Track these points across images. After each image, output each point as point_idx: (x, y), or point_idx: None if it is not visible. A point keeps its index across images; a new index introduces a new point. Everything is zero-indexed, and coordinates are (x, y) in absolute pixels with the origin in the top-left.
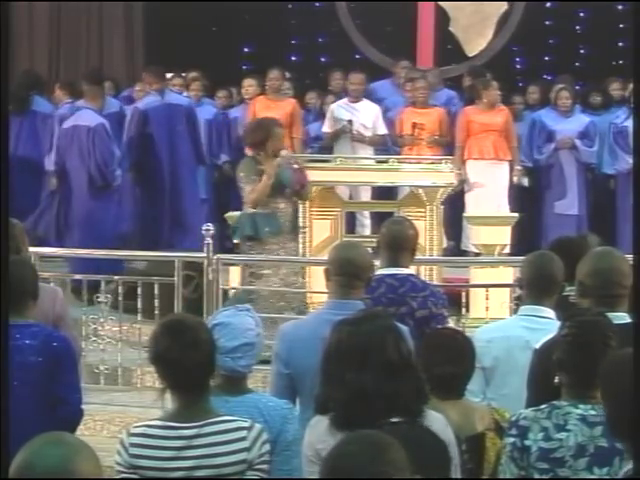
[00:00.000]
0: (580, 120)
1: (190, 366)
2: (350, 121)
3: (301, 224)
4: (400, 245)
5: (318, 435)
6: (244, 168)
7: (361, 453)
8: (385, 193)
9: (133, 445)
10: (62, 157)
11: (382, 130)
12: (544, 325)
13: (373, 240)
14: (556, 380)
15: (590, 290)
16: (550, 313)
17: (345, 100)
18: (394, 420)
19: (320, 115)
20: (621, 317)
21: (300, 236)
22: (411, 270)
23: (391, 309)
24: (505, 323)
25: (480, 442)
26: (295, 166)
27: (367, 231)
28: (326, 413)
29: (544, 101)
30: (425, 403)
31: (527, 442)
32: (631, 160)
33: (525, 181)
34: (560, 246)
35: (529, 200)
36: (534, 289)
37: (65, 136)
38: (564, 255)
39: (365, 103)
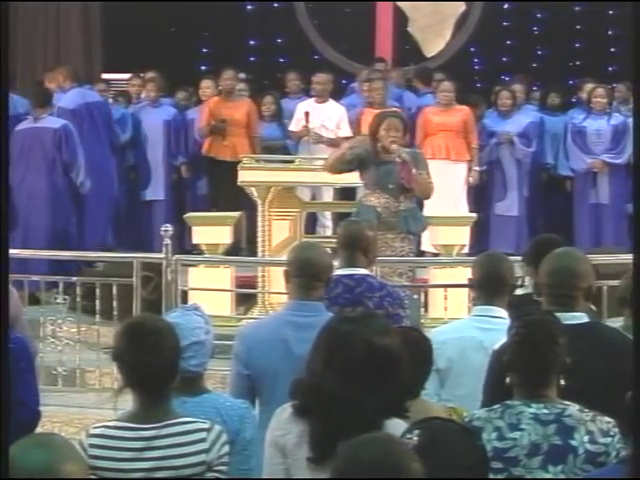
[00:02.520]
0: (519, 121)
1: (148, 369)
2: (307, 112)
3: (420, 224)
4: (357, 245)
5: (280, 422)
6: None
7: (379, 463)
8: (347, 194)
9: (92, 446)
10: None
11: (345, 132)
12: (497, 325)
13: (333, 241)
14: (507, 380)
15: (544, 289)
16: (502, 313)
17: (311, 100)
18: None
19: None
20: (578, 317)
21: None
22: (367, 271)
23: (347, 309)
24: (458, 324)
25: None
26: (397, 160)
27: (328, 232)
28: (293, 399)
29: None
30: (390, 417)
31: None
32: (589, 160)
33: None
34: (539, 246)
35: (482, 201)
36: (484, 290)
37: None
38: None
39: (331, 104)
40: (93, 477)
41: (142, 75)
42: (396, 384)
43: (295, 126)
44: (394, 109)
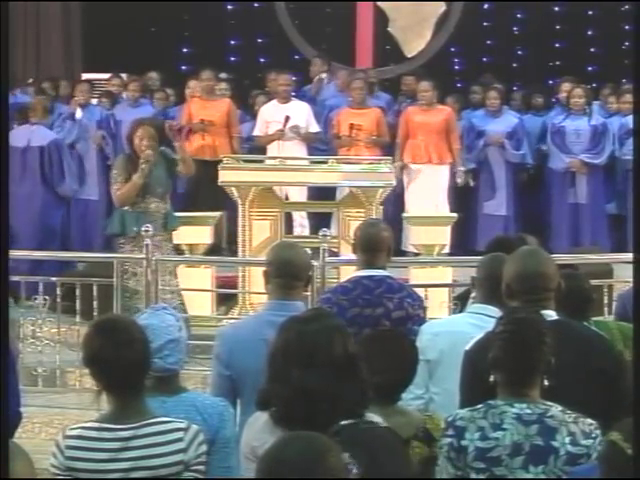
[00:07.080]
0: (508, 121)
1: (125, 365)
2: (287, 117)
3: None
4: (375, 247)
5: (255, 432)
6: (117, 165)
7: (300, 456)
8: (323, 194)
9: (69, 447)
10: None
11: (315, 128)
12: (490, 324)
13: (313, 241)
14: (491, 379)
15: (517, 294)
16: (497, 313)
17: (274, 102)
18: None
19: (252, 115)
20: (547, 315)
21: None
22: (388, 272)
23: (367, 310)
24: (453, 319)
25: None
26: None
27: (306, 232)
28: (266, 409)
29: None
30: (367, 406)
31: (464, 442)
32: (567, 159)
33: (470, 181)
34: (497, 246)
35: (468, 200)
36: (483, 289)
37: None
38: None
39: (295, 103)
40: (69, 478)
41: (129, 75)
42: (359, 374)
43: (260, 130)
44: (363, 110)
